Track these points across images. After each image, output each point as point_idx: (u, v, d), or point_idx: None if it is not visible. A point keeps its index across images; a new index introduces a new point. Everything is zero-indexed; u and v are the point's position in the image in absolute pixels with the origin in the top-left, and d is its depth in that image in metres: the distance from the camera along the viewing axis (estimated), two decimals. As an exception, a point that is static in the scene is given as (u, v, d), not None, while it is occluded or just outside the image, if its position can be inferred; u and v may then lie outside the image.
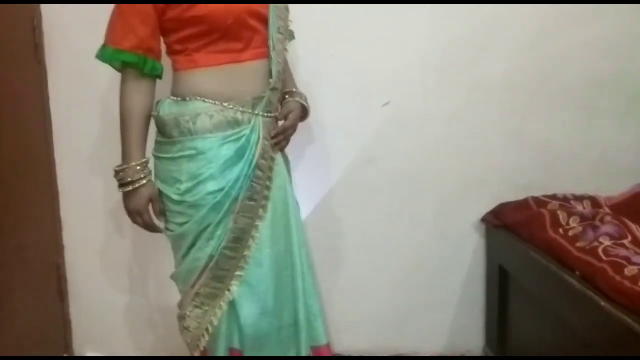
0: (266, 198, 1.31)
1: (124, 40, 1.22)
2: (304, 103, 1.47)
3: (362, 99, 1.87)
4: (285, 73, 1.46)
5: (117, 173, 1.26)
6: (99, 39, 1.26)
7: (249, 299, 1.30)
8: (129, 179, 1.24)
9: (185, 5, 1.21)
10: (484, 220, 1.90)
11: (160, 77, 1.31)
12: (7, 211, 1.65)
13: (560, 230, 1.55)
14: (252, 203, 1.29)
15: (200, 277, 1.30)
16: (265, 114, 1.31)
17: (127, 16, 1.22)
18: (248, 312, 1.29)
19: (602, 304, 1.18)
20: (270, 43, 1.32)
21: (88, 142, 1.87)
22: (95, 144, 1.87)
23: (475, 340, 2.00)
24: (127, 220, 1.72)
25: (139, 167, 1.25)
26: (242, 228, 1.29)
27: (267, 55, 1.33)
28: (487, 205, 1.88)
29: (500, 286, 1.81)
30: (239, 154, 1.27)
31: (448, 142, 1.89)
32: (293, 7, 1.45)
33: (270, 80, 1.32)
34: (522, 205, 1.78)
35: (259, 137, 1.29)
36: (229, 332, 1.31)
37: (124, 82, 1.27)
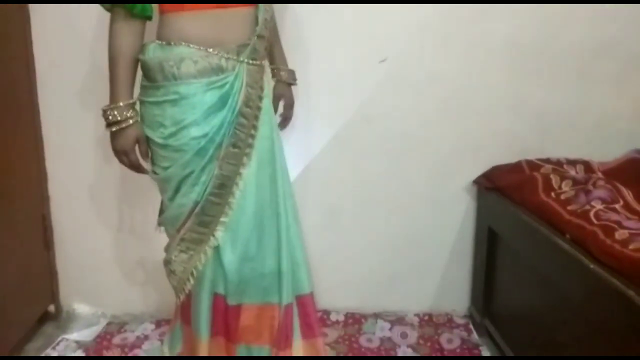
0: (250, 146, 1.32)
1: None
2: (291, 81, 1.55)
3: (358, 55, 1.82)
4: (274, 43, 1.50)
5: (104, 112, 1.25)
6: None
7: (232, 245, 1.33)
8: (116, 119, 1.24)
9: None
10: (476, 182, 1.89)
11: (150, 18, 1.26)
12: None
13: (552, 194, 1.54)
14: (236, 150, 1.30)
15: (186, 222, 1.33)
16: (250, 61, 1.30)
17: None
18: (230, 257, 1.33)
19: (591, 266, 1.19)
20: None
21: (73, 91, 1.82)
22: (80, 93, 1.82)
23: (460, 301, 2.03)
24: (113, 171, 1.71)
25: (126, 107, 1.24)
26: (226, 175, 1.31)
27: (254, 3, 1.32)
28: (481, 168, 1.86)
29: (489, 248, 1.83)
30: (223, 100, 1.27)
31: (444, 103, 1.86)
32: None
33: (256, 27, 1.31)
34: (514, 168, 1.77)
35: (242, 84, 1.29)
36: (214, 277, 1.35)
37: (113, 22, 1.24)
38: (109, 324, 1.97)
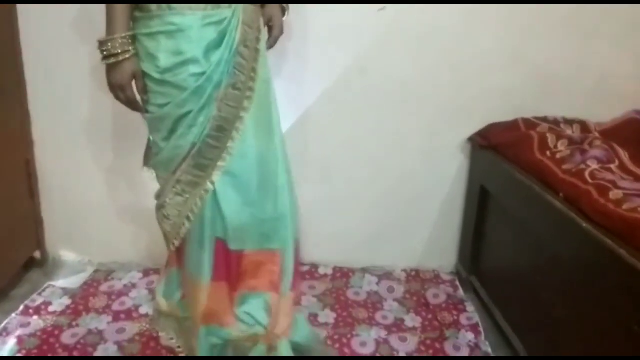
0: (251, 89, 1.29)
1: None
2: (285, 7, 1.48)
3: (357, 4, 1.75)
4: None
5: (100, 44, 1.20)
6: None
7: (232, 189, 1.32)
8: (113, 51, 1.19)
9: None
10: (471, 140, 1.86)
11: None
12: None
13: (548, 153, 1.52)
14: (236, 92, 1.28)
15: (182, 164, 1.31)
16: None
17: None
18: (230, 202, 1.32)
19: (584, 225, 1.18)
20: None
21: (57, 33, 1.74)
22: (64, 35, 1.73)
23: (448, 258, 2.04)
24: (100, 114, 1.65)
25: (124, 40, 1.20)
26: (225, 117, 1.28)
27: None
28: (477, 125, 1.83)
29: (479, 206, 1.82)
30: (221, 37, 1.24)
31: (442, 58, 1.81)
32: None
33: None
34: (511, 126, 1.74)
35: (239, 22, 1.26)
36: (213, 221, 1.33)
37: None
38: (96, 271, 1.96)
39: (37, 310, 1.71)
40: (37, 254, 1.97)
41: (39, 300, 1.76)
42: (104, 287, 1.86)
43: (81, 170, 1.88)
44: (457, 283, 1.97)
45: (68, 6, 1.70)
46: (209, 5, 1.23)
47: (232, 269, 1.39)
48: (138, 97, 1.28)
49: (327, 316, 1.75)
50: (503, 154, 1.68)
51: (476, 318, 1.76)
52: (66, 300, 1.77)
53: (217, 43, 1.24)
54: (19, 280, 1.87)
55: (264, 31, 1.39)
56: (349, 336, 1.65)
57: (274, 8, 1.45)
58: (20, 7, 1.72)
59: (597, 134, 1.60)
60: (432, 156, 1.92)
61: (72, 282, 1.88)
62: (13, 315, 1.68)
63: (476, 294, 1.88)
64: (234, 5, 1.25)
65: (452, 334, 1.68)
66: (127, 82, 1.23)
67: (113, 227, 1.97)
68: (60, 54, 1.76)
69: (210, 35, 1.23)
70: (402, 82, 1.83)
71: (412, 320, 1.75)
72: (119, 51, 1.19)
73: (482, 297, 1.81)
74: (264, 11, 1.43)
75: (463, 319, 1.76)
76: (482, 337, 1.68)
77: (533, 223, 1.44)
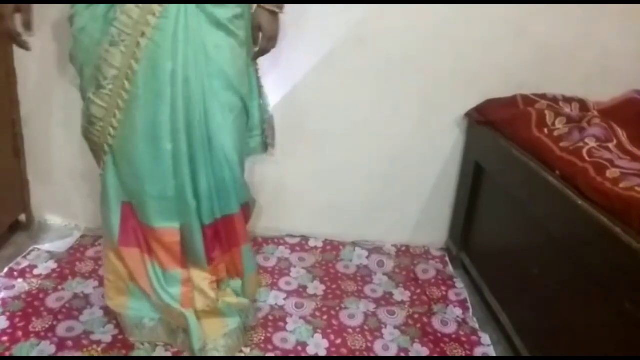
0: (139, 48, 1.18)
1: None
2: (273, 9, 1.35)
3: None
4: None
5: None
6: None
7: (117, 161, 1.29)
8: None
9: None
10: (468, 115, 1.83)
11: None
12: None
13: (545, 130, 1.50)
14: (117, 51, 1.19)
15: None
16: None
17: None
18: (115, 174, 1.30)
19: (580, 202, 1.17)
20: None
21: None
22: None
23: (439, 234, 2.04)
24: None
25: None
26: (107, 77, 1.22)
27: None
28: (475, 100, 1.80)
29: (473, 183, 1.80)
30: None
31: (443, 29, 1.76)
32: None
33: None
34: (509, 102, 1.71)
35: None
36: (116, 185, 1.32)
37: None
38: (82, 236, 1.93)
39: (22, 273, 1.68)
40: (23, 217, 1.93)
41: (24, 264, 1.73)
42: (90, 253, 1.83)
43: (69, 134, 1.83)
44: (447, 259, 1.97)
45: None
46: None
47: (141, 237, 1.35)
48: (22, 31, 1.22)
49: (316, 288, 1.74)
50: (500, 130, 1.65)
51: (465, 294, 1.77)
52: (52, 264, 1.74)
53: None
54: (3, 242, 1.84)
55: None
56: (337, 309, 1.65)
57: (262, 14, 1.34)
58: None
59: (596, 113, 1.58)
60: (428, 130, 1.89)
61: (58, 246, 1.85)
62: (-3, 277, 1.65)
63: (465, 270, 1.88)
64: None
65: (440, 309, 1.68)
66: (8, 13, 1.17)
67: (99, 190, 1.93)
68: (45, 13, 1.69)
69: None
70: (401, 53, 1.79)
71: (400, 294, 1.75)
72: None
73: (472, 274, 1.81)
74: (252, 17, 1.35)
75: (451, 295, 1.76)
76: (470, 312, 1.68)
77: (527, 200, 1.43)
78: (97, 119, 1.27)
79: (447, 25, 1.76)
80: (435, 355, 1.49)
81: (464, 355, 1.50)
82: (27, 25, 1.20)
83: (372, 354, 1.48)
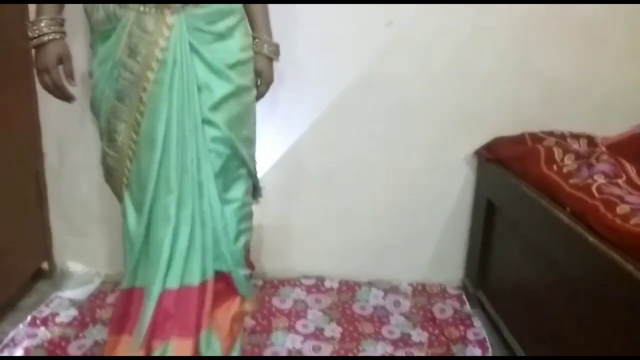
0: (142, 102, 1.22)
1: None
2: (272, 56, 1.40)
3: (364, 18, 1.77)
4: (255, 7, 1.37)
5: (26, 27, 1.20)
6: None
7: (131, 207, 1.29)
8: (37, 33, 1.18)
9: None
10: (477, 153, 1.86)
11: None
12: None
13: (554, 167, 1.52)
14: (124, 106, 1.23)
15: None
16: (141, 8, 1.18)
17: None
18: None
19: (591, 240, 1.17)
20: None
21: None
22: (75, 48, 1.75)
23: (455, 272, 2.03)
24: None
25: (48, 22, 1.19)
26: (115, 130, 1.26)
27: None
28: (484, 138, 1.84)
29: (486, 220, 1.81)
30: (109, 51, 1.22)
31: (450, 70, 1.82)
32: None
33: None
34: (517, 140, 1.74)
35: (125, 33, 1.19)
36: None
37: None
38: (103, 282, 1.96)
39: (45, 322, 1.71)
40: (45, 265, 1.98)
41: (46, 312, 1.76)
42: (110, 299, 1.86)
43: (90, 182, 1.90)
44: (464, 297, 1.96)
45: (79, 25, 1.71)
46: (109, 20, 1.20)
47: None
48: (67, 84, 1.27)
49: (333, 330, 1.74)
50: (509, 167, 1.68)
51: (483, 333, 1.75)
52: (73, 312, 1.77)
53: (105, 57, 1.22)
54: (26, 290, 1.88)
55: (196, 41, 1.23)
56: (354, 351, 1.64)
57: (262, 60, 1.38)
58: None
59: (604, 148, 1.60)
60: (439, 168, 1.92)
61: (79, 293, 1.88)
62: (20, 326, 1.68)
63: (483, 308, 1.86)
64: (126, 15, 1.18)
65: (459, 349, 1.67)
66: (52, 65, 1.21)
67: (120, 239, 1.97)
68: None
69: (104, 49, 1.23)
70: (408, 94, 1.84)
71: (418, 335, 1.74)
72: (43, 32, 1.18)
73: (489, 312, 1.80)
74: (255, 65, 1.37)
75: (470, 335, 1.74)
76: (489, 352, 1.66)
77: (540, 237, 1.44)
78: (113, 168, 1.33)
79: (453, 65, 1.81)
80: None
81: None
82: (70, 75, 1.26)
83: (391, 397, 1.46)
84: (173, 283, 1.23)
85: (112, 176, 1.34)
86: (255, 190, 1.51)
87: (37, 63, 1.22)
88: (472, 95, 1.84)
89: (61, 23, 1.22)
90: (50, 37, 1.19)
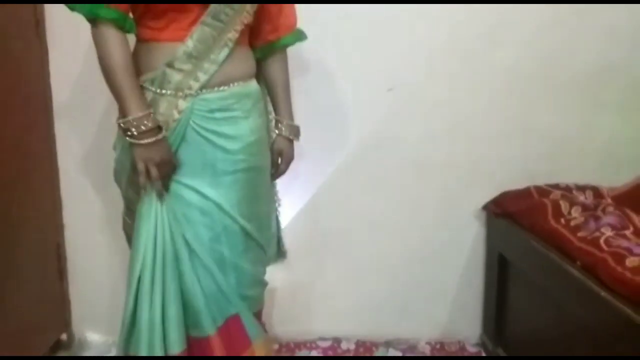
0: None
1: None
2: (293, 138, 1.47)
3: (367, 84, 1.85)
4: (278, 91, 1.45)
5: (128, 123, 1.17)
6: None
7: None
8: (150, 126, 1.18)
9: None
10: (485, 208, 1.89)
11: (132, 33, 1.28)
12: (8, 190, 1.64)
13: (562, 220, 1.54)
14: (137, 178, 1.26)
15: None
16: (158, 90, 1.23)
17: None
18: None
19: (602, 294, 1.18)
20: (196, 28, 1.23)
21: (89, 120, 1.86)
22: (96, 122, 1.86)
23: (472, 328, 2.01)
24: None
25: (150, 117, 1.19)
26: (130, 199, 1.35)
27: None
28: (491, 193, 1.86)
29: (499, 274, 1.82)
30: None
31: (453, 129, 1.88)
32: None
33: (173, 57, 1.23)
34: (523, 194, 1.77)
35: None
36: None
37: (102, 34, 1.19)
38: (120, 352, 1.97)
39: (63, 394, 1.71)
40: (64, 336, 2.00)
41: (65, 384, 1.77)
42: (128, 368, 1.86)
43: (108, 253, 1.94)
44: (483, 354, 1.93)
45: (103, 98, 1.80)
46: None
47: None
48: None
49: (351, 393, 1.72)
50: (518, 221, 1.70)
51: (504, 392, 1.71)
52: (91, 383, 1.78)
53: None
54: (45, 363, 1.90)
55: (201, 121, 1.27)
56: (374, 414, 1.62)
57: (283, 141, 1.46)
58: (56, 97, 1.84)
59: (609, 200, 1.62)
60: (449, 224, 1.95)
61: (97, 363, 1.89)
62: (39, 399, 1.69)
63: (503, 365, 1.83)
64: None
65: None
66: (172, 155, 1.24)
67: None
68: (92, 143, 1.88)
69: None
70: (414, 155, 1.90)
71: (438, 395, 1.71)
72: (154, 125, 1.18)
73: (509, 369, 1.77)
74: (273, 144, 1.45)
75: (491, 393, 1.71)
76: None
77: (553, 291, 1.44)
78: (130, 236, 1.38)
79: (456, 126, 1.87)
80: None
81: None
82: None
83: None
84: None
85: (130, 243, 1.38)
86: (279, 251, 1.56)
87: (159, 155, 1.20)
88: (474, 154, 1.89)
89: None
90: (164, 134, 1.20)
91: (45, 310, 1.88)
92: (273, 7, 1.38)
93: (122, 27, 1.21)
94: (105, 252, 1.95)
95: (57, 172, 1.90)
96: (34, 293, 1.78)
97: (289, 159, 1.49)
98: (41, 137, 1.83)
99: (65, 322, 1.99)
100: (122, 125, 1.19)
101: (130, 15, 1.23)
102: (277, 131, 1.46)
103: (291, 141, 1.49)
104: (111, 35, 1.19)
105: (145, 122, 1.17)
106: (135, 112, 1.17)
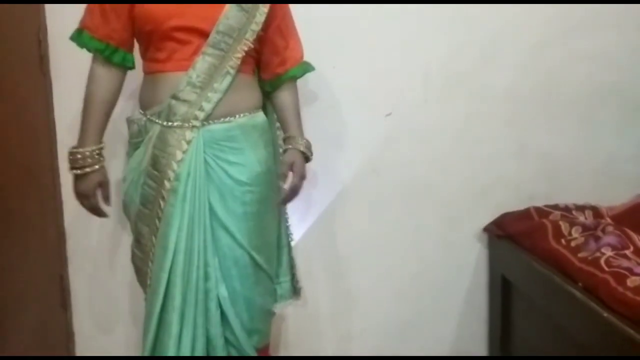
0: (161, 209, 1.29)
1: (100, 29, 1.27)
2: (305, 150, 1.43)
3: (365, 109, 1.88)
4: (289, 113, 1.46)
5: (69, 154, 1.30)
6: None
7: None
8: (80, 164, 1.28)
9: (132, 5, 1.27)
10: (487, 230, 1.90)
11: (131, 67, 1.34)
12: (12, 222, 1.65)
13: (562, 241, 1.55)
14: (147, 211, 1.31)
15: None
16: (165, 123, 1.28)
17: (104, 4, 1.26)
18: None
19: (605, 315, 1.19)
20: (198, 58, 1.26)
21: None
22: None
23: (477, 350, 2.00)
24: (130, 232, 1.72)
25: (91, 153, 1.29)
26: (141, 233, 1.34)
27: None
28: (491, 214, 1.88)
29: (503, 296, 1.82)
30: (138, 161, 1.33)
31: (451, 152, 1.91)
32: (294, 17, 1.46)
33: (177, 89, 1.27)
34: (523, 215, 1.78)
35: (151, 145, 1.29)
36: None
37: (92, 66, 1.31)
38: (124, 382, 1.96)
39: None
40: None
41: (69, 417, 1.75)
42: (132, 400, 1.85)
43: (112, 285, 1.95)
44: (489, 376, 1.92)
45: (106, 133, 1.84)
46: (140, 134, 1.34)
47: None
48: (103, 204, 1.36)
49: (358, 420, 1.71)
50: (519, 243, 1.71)
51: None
52: (95, 416, 1.76)
53: (135, 166, 1.33)
54: (49, 395, 1.88)
55: (207, 155, 1.30)
56: None
57: (296, 154, 1.42)
58: (60, 131, 1.86)
59: (609, 219, 1.63)
60: (451, 247, 1.96)
61: (100, 395, 1.87)
62: None
63: (510, 388, 1.82)
64: (151, 130, 1.30)
65: None
66: (91, 192, 1.31)
67: (139, 340, 1.99)
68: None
69: (134, 160, 1.34)
70: (414, 178, 1.92)
71: (445, 421, 1.69)
72: (86, 164, 1.28)
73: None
74: (284, 156, 1.43)
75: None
76: None
77: (555, 312, 1.44)
78: (139, 268, 1.40)
79: (454, 149, 1.90)
80: None
81: None
82: (107, 199, 1.36)
83: None
84: None
85: (140, 275, 1.40)
86: (293, 289, 1.56)
87: (77, 188, 1.31)
88: (473, 176, 1.91)
89: (101, 152, 1.32)
90: (93, 168, 1.29)
91: (49, 341, 1.87)
92: (280, 41, 1.41)
93: (109, 59, 1.27)
94: (109, 284, 1.95)
95: (61, 204, 1.92)
96: (37, 324, 1.78)
97: (302, 173, 1.42)
98: (45, 168, 1.85)
99: (68, 354, 1.98)
100: (68, 151, 1.30)
101: (122, 47, 1.29)
102: (289, 145, 1.43)
103: (303, 156, 1.44)
104: (96, 67, 1.30)
105: (78, 158, 1.28)
106: (82, 144, 1.29)
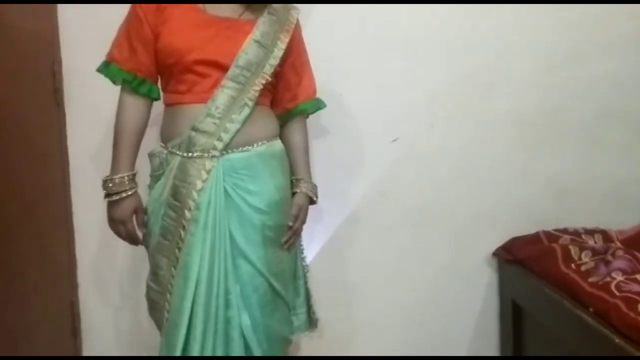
0: (181, 239, 1.30)
1: (128, 61, 1.31)
2: (310, 194, 1.47)
3: (371, 136, 1.90)
4: (298, 154, 1.49)
5: (104, 183, 1.31)
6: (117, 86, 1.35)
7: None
8: (115, 190, 1.30)
9: (156, 39, 1.31)
10: (496, 254, 1.89)
11: (156, 99, 1.38)
12: (24, 249, 1.68)
13: (572, 265, 1.54)
14: (166, 242, 1.32)
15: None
16: (185, 154, 1.30)
17: (132, 38, 1.31)
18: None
19: (617, 340, 1.17)
20: (217, 91, 1.30)
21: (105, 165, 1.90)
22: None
23: (490, 376, 1.97)
24: (141, 258, 1.74)
25: (125, 179, 1.31)
26: (159, 265, 1.34)
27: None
28: (499, 239, 1.88)
29: (514, 321, 1.80)
30: (159, 191, 1.34)
31: (458, 177, 1.91)
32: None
33: (198, 120, 1.30)
34: (533, 239, 1.78)
35: (171, 177, 1.31)
36: None
37: (121, 96, 1.35)
38: (133, 411, 1.95)
39: None
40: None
41: None
42: None
43: (122, 312, 1.96)
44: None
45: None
46: (161, 166, 1.35)
47: None
48: (138, 232, 1.37)
49: None
50: (529, 267, 1.70)
51: None
52: None
53: (156, 197, 1.34)
54: None
55: (219, 184, 1.31)
56: None
57: (304, 198, 1.46)
58: (73, 159, 1.89)
59: (618, 244, 1.63)
60: (460, 272, 1.94)
61: None
62: None
63: (524, 417, 1.78)
64: (172, 161, 1.32)
65: None
66: (128, 217, 1.32)
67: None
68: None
69: (155, 191, 1.35)
70: (422, 203, 1.92)
71: None
72: (120, 190, 1.29)
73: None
74: (294, 199, 1.45)
75: None
76: None
77: (567, 337, 1.43)
78: (155, 302, 1.38)
79: (461, 173, 1.91)
80: None
81: None
82: (141, 224, 1.37)
83: None
84: None
85: (155, 309, 1.39)
86: (310, 320, 1.55)
87: (114, 215, 1.32)
88: (481, 200, 1.91)
89: (134, 178, 1.34)
90: (127, 193, 1.31)
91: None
92: (293, 78, 1.46)
93: (136, 90, 1.31)
94: (120, 311, 1.96)
95: (72, 232, 1.94)
96: (48, 351, 1.79)
97: (305, 219, 1.47)
98: (58, 200, 1.88)
99: (78, 381, 1.98)
100: (102, 180, 1.32)
101: (149, 79, 1.34)
102: (297, 189, 1.46)
103: (309, 199, 1.48)
104: (124, 97, 1.34)
105: (113, 184, 1.30)
106: (116, 172, 1.31)
